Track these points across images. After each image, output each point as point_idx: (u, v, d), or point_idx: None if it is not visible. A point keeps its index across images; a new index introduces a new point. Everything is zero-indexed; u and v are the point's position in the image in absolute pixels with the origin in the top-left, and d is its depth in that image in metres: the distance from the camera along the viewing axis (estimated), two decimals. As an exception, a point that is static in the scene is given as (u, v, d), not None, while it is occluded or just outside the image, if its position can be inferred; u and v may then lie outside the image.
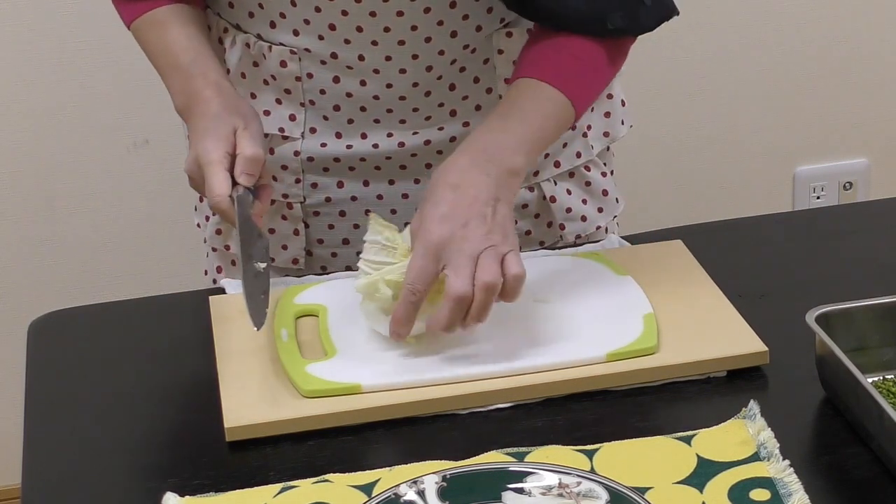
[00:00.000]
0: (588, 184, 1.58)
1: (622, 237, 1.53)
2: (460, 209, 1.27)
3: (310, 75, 1.46)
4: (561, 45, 1.39)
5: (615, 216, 1.62)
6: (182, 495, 1.15)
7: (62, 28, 2.39)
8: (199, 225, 1.63)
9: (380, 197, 1.53)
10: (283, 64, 1.45)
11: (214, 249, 1.61)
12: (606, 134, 1.58)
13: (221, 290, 1.46)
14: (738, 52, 2.71)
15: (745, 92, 2.74)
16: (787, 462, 1.13)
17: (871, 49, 2.77)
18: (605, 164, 1.60)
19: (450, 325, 1.25)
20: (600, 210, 1.59)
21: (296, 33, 1.43)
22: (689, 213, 2.68)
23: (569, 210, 1.56)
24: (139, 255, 2.56)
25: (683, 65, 2.70)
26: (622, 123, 1.59)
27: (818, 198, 2.86)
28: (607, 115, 1.58)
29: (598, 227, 1.59)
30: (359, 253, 1.50)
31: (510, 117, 1.36)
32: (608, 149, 1.60)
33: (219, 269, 1.61)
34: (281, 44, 1.45)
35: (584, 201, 1.57)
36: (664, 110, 2.72)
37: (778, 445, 1.15)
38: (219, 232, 1.57)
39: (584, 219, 1.57)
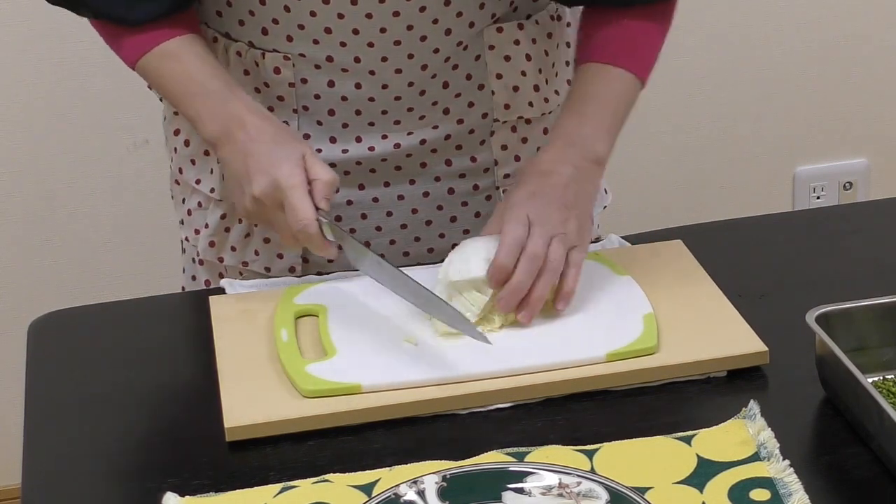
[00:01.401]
0: None
1: (622, 237, 1.53)
2: (547, 189, 1.36)
3: (304, 80, 1.45)
4: (614, 24, 1.44)
5: (605, 206, 1.63)
6: (182, 495, 1.15)
7: (62, 28, 2.39)
8: (186, 239, 1.60)
9: (375, 200, 1.53)
10: (276, 70, 1.45)
11: (201, 263, 1.60)
12: None
13: (221, 290, 1.46)
14: (738, 52, 2.71)
15: (745, 92, 2.74)
16: (787, 462, 1.13)
17: (871, 49, 2.77)
18: None
19: (519, 282, 1.30)
20: None
21: (289, 39, 1.43)
22: (689, 213, 2.68)
23: None
24: (139, 255, 2.56)
25: (683, 65, 2.70)
26: None
27: (818, 198, 2.86)
28: None
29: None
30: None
31: (588, 103, 1.43)
32: None
33: (207, 283, 1.60)
34: (274, 50, 1.44)
35: None
36: (664, 110, 2.72)
37: (778, 445, 1.15)
38: (212, 244, 1.56)
39: None
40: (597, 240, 1.57)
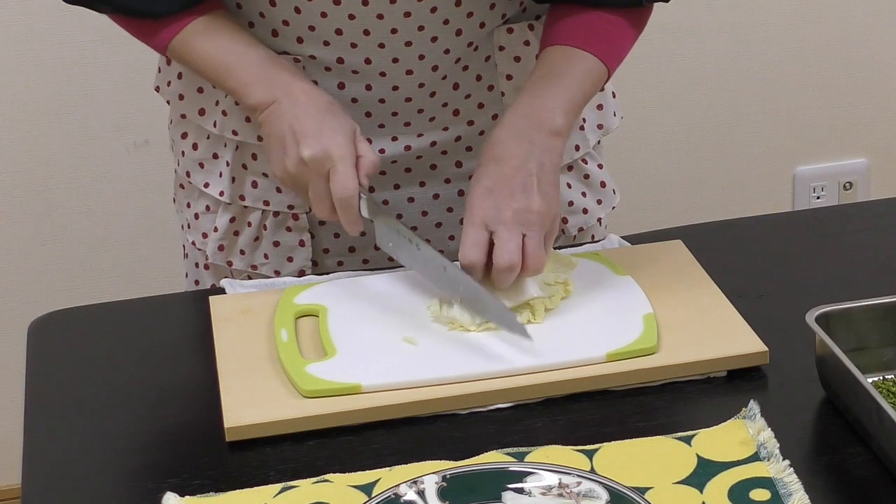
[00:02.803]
0: (587, 176, 1.58)
1: (622, 237, 1.53)
2: (503, 181, 1.32)
3: (314, 83, 1.45)
4: (584, 14, 1.42)
5: (613, 206, 1.63)
6: (182, 495, 1.15)
7: (62, 28, 2.40)
8: (193, 243, 1.59)
9: (385, 203, 1.53)
10: None
11: (207, 268, 1.59)
12: (600, 126, 1.59)
13: (221, 290, 1.46)
14: (738, 52, 2.71)
15: (745, 92, 2.74)
16: (787, 462, 1.13)
17: (871, 49, 2.77)
18: (598, 156, 1.61)
19: (508, 247, 1.30)
20: (599, 202, 1.60)
21: (300, 41, 1.42)
22: (689, 213, 2.68)
23: (571, 203, 1.57)
24: (139, 255, 2.56)
25: (683, 65, 2.70)
26: (614, 115, 1.61)
27: (818, 198, 2.86)
28: (600, 107, 1.58)
29: (599, 219, 1.60)
30: (365, 261, 1.50)
31: (546, 81, 1.39)
32: (599, 142, 1.61)
33: (212, 288, 1.59)
34: (284, 52, 1.44)
35: (584, 194, 1.58)
36: (664, 110, 2.72)
37: (778, 445, 1.15)
38: (221, 248, 1.56)
39: (585, 211, 1.58)
40: (597, 240, 1.57)
